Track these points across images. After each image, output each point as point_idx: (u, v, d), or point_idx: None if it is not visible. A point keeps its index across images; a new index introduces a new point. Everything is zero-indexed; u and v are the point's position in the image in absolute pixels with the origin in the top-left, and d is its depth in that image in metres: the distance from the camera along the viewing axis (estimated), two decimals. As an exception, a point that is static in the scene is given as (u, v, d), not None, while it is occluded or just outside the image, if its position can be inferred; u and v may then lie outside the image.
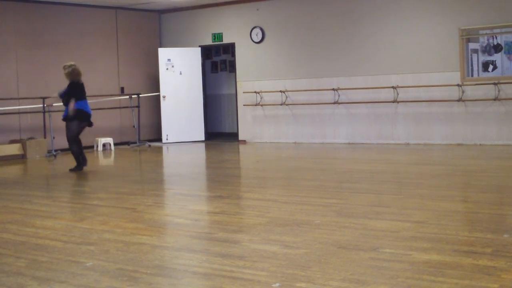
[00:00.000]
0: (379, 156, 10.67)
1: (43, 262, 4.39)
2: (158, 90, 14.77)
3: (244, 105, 14.16)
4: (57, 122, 12.67)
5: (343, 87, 12.77)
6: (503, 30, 11.97)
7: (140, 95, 14.36)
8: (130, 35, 14.75)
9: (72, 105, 9.64)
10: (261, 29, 13.84)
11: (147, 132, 14.90)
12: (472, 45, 12.40)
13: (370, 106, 12.55)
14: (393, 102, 12.22)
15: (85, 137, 13.49)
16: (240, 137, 14.38)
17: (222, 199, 6.89)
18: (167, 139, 14.60)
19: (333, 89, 12.85)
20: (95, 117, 13.81)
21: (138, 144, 14.02)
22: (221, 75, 16.18)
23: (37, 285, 3.87)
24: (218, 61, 16.20)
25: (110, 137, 13.82)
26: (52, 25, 13.31)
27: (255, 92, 13.89)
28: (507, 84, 11.17)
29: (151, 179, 9.03)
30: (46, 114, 12.56)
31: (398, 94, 12.17)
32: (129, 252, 4.59)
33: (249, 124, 14.20)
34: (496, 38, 13.31)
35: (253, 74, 14.06)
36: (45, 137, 12.60)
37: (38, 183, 9.20)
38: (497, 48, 13.28)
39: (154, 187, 8.07)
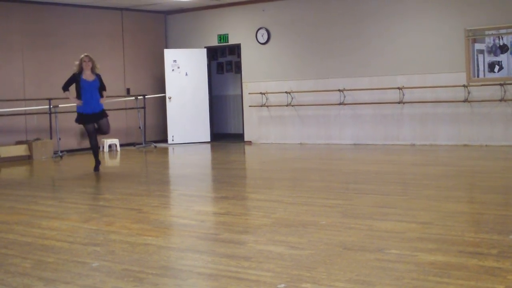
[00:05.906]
0: (385, 157, 10.66)
1: (49, 263, 4.40)
2: (164, 91, 14.79)
3: (249, 106, 14.17)
4: (63, 123, 12.74)
5: (349, 88, 12.76)
6: (509, 30, 11.93)
7: (146, 96, 14.38)
8: (136, 36, 14.78)
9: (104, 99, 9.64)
10: (267, 30, 13.84)
11: (153, 133, 14.91)
12: (478, 46, 12.37)
13: (375, 107, 12.54)
14: (399, 103, 12.20)
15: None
16: (246, 138, 14.38)
17: (227, 200, 6.90)
18: (172, 140, 14.61)
19: (339, 90, 12.84)
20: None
21: (144, 145, 14.05)
22: (227, 76, 16.18)
23: (43, 285, 3.89)
24: (223, 62, 16.21)
25: (116, 138, 13.83)
26: (58, 26, 13.34)
27: (260, 93, 13.90)
28: (513, 85, 11.15)
29: (157, 180, 9.04)
30: (52, 115, 12.59)
31: (404, 95, 12.15)
32: (135, 253, 4.60)
33: (254, 125, 14.20)
34: (502, 38, 13.27)
35: (258, 75, 14.06)
36: (51, 138, 12.63)
37: (44, 184, 9.23)
38: (503, 49, 13.24)
39: (159, 188, 8.09)
